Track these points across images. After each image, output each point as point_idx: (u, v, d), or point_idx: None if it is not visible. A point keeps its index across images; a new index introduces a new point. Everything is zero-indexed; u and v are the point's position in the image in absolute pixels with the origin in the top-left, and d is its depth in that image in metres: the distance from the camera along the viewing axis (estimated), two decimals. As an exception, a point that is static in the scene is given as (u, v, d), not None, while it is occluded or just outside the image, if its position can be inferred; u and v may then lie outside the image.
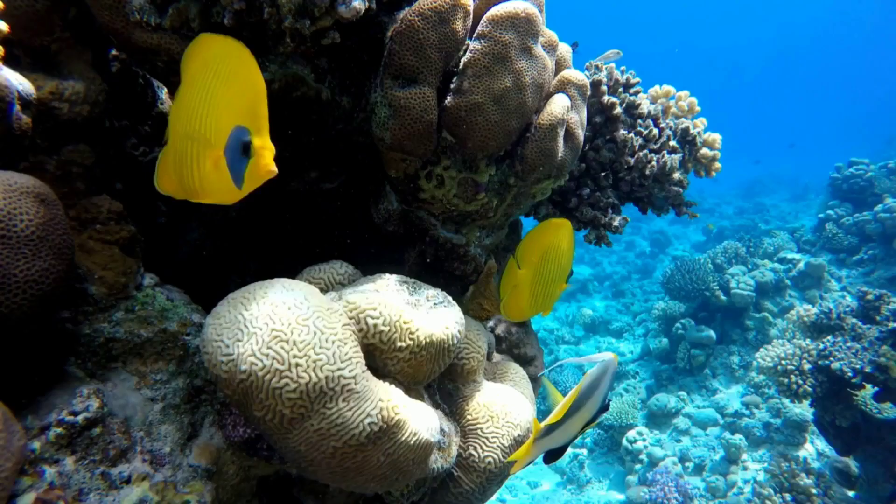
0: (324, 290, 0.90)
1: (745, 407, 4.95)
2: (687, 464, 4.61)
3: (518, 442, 1.00)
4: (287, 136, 1.02)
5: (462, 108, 0.97)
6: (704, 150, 1.49)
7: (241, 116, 0.66)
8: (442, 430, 0.91)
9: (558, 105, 1.07)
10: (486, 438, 0.97)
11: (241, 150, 0.65)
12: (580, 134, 1.17)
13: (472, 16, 0.98)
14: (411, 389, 0.87)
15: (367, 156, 1.08)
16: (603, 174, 1.42)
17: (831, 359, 3.45)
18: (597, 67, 1.44)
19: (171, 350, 0.86)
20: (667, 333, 6.02)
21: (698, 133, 1.48)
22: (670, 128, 1.47)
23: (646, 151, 1.39)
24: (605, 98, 1.37)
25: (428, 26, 0.92)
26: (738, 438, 4.57)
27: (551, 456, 0.91)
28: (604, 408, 0.90)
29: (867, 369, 3.27)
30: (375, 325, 0.79)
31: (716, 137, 1.49)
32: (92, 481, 0.73)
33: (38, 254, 0.68)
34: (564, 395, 0.88)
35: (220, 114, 0.66)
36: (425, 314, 0.86)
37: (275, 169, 0.66)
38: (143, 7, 0.81)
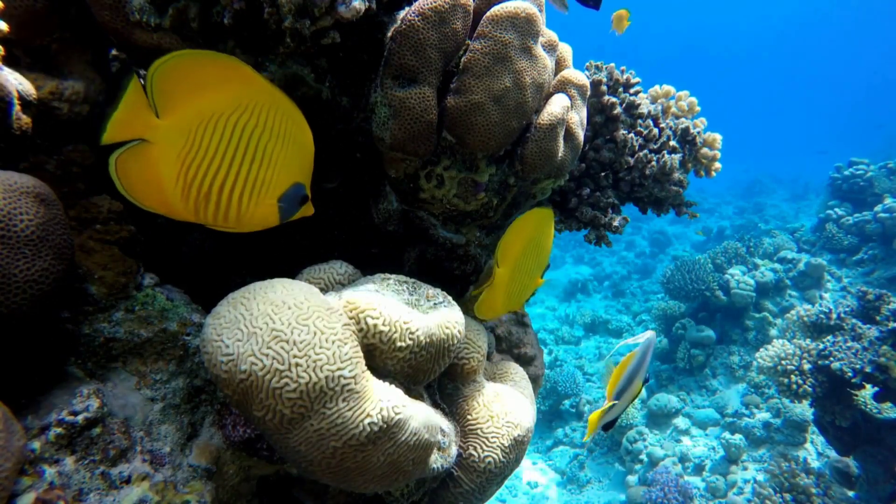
0: (324, 290, 0.90)
1: (745, 407, 4.95)
2: (687, 464, 4.61)
3: (518, 442, 0.99)
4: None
5: (462, 107, 0.97)
6: (704, 150, 1.49)
7: (299, 174, 0.80)
8: (442, 430, 0.91)
9: (558, 105, 1.07)
10: (486, 438, 0.97)
11: (299, 202, 0.81)
12: (580, 134, 1.17)
13: (472, 15, 0.98)
14: (411, 389, 0.87)
15: (366, 156, 1.08)
16: (603, 174, 1.42)
17: (831, 359, 3.45)
18: (597, 67, 1.44)
19: (171, 350, 0.86)
20: (667, 333, 6.02)
21: (698, 133, 1.48)
22: (670, 128, 1.47)
23: (646, 151, 1.39)
24: (605, 98, 1.37)
25: (428, 26, 0.92)
26: (738, 438, 4.57)
27: (608, 426, 1.11)
28: (645, 380, 1.08)
29: (867, 369, 3.27)
30: (375, 325, 0.79)
31: (716, 137, 1.49)
32: (92, 481, 0.73)
33: (38, 254, 0.68)
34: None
35: (279, 171, 0.78)
36: (425, 314, 0.86)
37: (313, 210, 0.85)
38: (142, 7, 0.81)
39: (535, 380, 1.33)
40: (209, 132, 0.73)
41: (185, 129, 0.72)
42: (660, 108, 1.48)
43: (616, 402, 1.05)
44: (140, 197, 0.73)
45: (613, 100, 1.37)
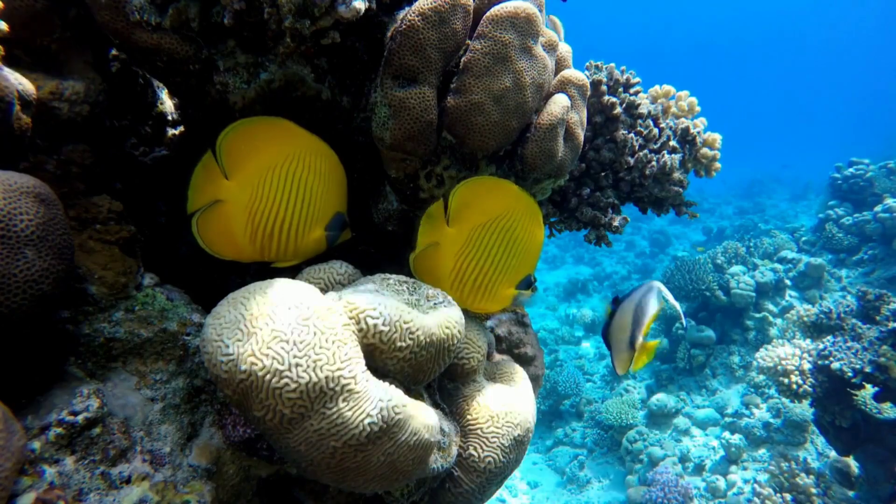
0: (324, 290, 0.90)
1: (745, 407, 4.94)
2: (687, 464, 4.61)
3: (518, 442, 0.99)
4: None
5: (462, 107, 0.97)
6: (704, 150, 1.49)
7: (339, 205, 0.93)
8: (442, 430, 0.91)
9: (558, 105, 1.07)
10: (486, 438, 0.97)
11: (340, 227, 0.94)
12: (580, 134, 1.17)
13: (472, 15, 0.98)
14: (411, 389, 0.87)
15: (366, 156, 1.08)
16: (603, 174, 1.42)
17: (831, 359, 3.45)
18: (597, 67, 1.44)
19: (171, 350, 0.86)
20: (667, 333, 6.01)
21: (698, 133, 1.48)
22: (670, 128, 1.47)
23: (646, 151, 1.39)
24: (605, 98, 1.37)
25: (428, 26, 0.92)
26: (738, 438, 4.57)
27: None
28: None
29: (867, 369, 3.26)
30: (375, 325, 0.79)
31: (716, 137, 1.49)
32: (92, 481, 0.73)
33: (38, 254, 0.68)
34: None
35: (324, 204, 0.91)
36: (425, 314, 0.86)
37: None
38: (143, 7, 0.81)
39: (535, 380, 1.33)
40: (268, 183, 0.86)
41: (250, 184, 0.85)
42: (660, 108, 1.48)
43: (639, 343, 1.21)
44: (219, 249, 0.86)
45: (613, 100, 1.36)
